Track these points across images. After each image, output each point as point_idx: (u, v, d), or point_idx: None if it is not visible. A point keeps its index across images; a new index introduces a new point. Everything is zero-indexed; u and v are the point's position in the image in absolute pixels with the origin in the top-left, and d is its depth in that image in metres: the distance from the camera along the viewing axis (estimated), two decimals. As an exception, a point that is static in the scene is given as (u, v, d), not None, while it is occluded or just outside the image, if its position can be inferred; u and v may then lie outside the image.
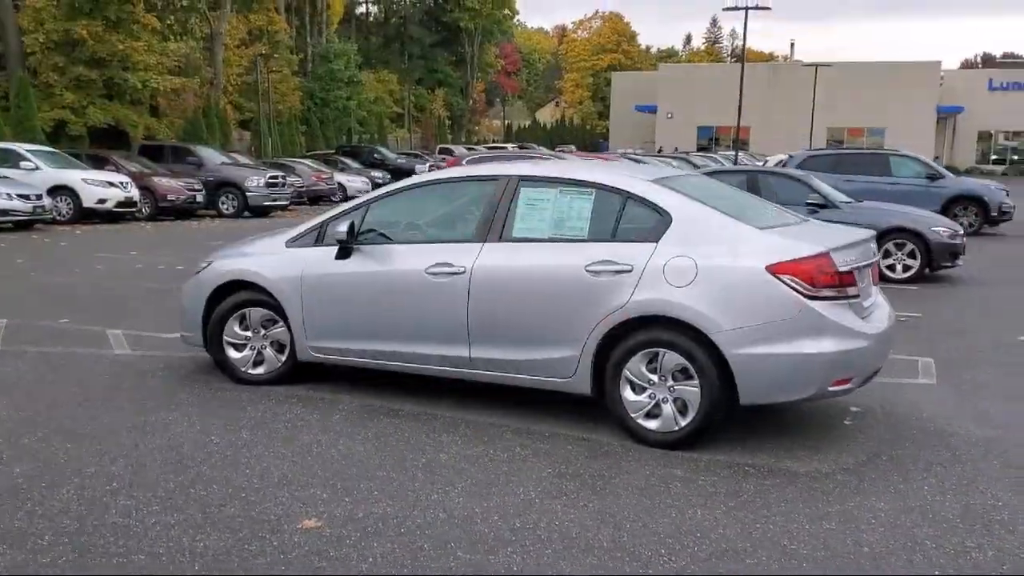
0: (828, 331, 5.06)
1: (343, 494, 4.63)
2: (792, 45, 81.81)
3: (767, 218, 5.79)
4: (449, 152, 50.27)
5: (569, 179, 5.84)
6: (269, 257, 6.58)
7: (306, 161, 32.76)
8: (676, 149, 48.42)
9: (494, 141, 69.33)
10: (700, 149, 55.52)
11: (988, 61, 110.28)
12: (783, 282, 5.06)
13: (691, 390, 5.23)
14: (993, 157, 57.58)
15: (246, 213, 24.47)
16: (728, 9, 34.83)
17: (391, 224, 6.34)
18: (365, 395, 6.39)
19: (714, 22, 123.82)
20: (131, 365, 7.29)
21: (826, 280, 5.09)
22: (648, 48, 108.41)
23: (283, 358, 6.60)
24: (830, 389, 5.17)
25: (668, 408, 5.31)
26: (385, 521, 4.30)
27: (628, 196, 5.61)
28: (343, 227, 6.08)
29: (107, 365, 7.28)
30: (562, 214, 5.71)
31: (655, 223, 5.46)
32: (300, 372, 6.63)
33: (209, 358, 7.01)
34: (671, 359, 5.26)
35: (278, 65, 42.01)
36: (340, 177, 32.46)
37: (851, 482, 4.88)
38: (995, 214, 20.70)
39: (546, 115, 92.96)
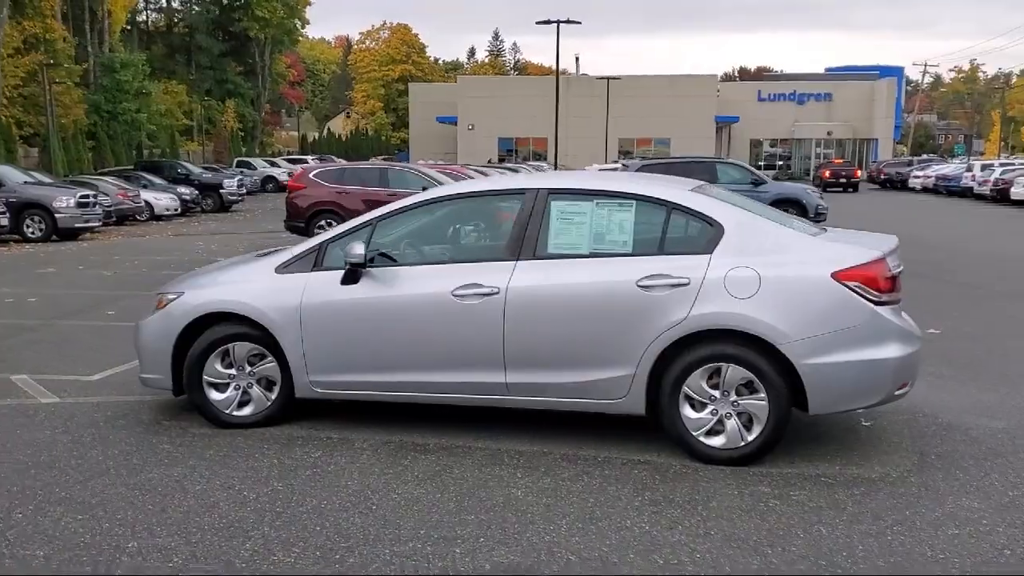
0: (893, 336, 5.12)
1: (447, 545, 4.21)
2: (577, 60, 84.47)
3: (799, 224, 5.80)
4: (247, 165, 48.36)
5: (606, 190, 5.61)
6: (255, 284, 5.92)
7: (107, 179, 30.36)
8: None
9: (289, 153, 67.34)
10: (500, 160, 56.32)
11: (744, 73, 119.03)
12: (850, 289, 5.07)
13: (758, 404, 5.14)
14: (762, 163, 61.94)
15: (54, 237, 22.32)
16: (541, 23, 35.53)
17: (402, 244, 5.88)
18: (372, 431, 5.88)
19: (496, 35, 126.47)
20: (74, 415, 6.35)
21: (886, 285, 5.15)
22: (437, 60, 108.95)
23: (272, 396, 5.96)
24: (896, 393, 5.24)
25: (732, 424, 5.20)
26: (518, 570, 3.92)
27: (673, 207, 5.45)
28: (359, 248, 5.55)
29: (46, 418, 6.31)
30: (602, 227, 5.48)
31: (706, 234, 5.34)
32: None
33: (165, 400, 6.31)
34: (735, 373, 5.15)
35: (60, 76, 38.72)
36: (146, 195, 30.32)
37: (929, 483, 4.96)
38: (812, 215, 22.20)
39: (337, 126, 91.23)
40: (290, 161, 53.43)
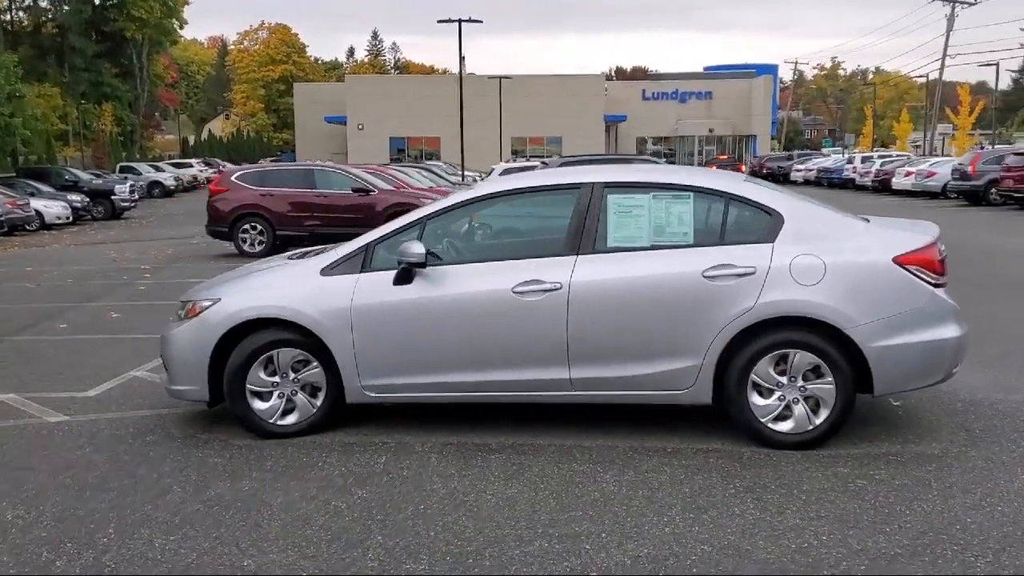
0: (950, 317, 5.33)
1: (573, 541, 4.17)
2: (463, 59, 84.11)
3: (846, 211, 5.95)
4: (131, 170, 46.47)
5: (663, 183, 5.65)
6: (300, 288, 5.71)
7: (-7, 186, 28.65)
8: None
9: (170, 157, 65.02)
10: (393, 160, 55.87)
11: (621, 73, 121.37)
12: (912, 273, 5.25)
13: (825, 387, 5.27)
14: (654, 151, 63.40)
15: (-55, 248, 20.96)
16: (442, 21, 35.38)
17: (453, 242, 5.77)
18: (424, 434, 5.77)
19: (375, 35, 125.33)
20: (95, 433, 6.00)
21: (941, 268, 5.36)
22: (317, 60, 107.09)
23: (318, 403, 5.77)
24: (952, 372, 5.45)
25: (800, 408, 5.32)
26: (663, 563, 3.92)
27: (731, 197, 5.54)
28: (418, 247, 5.42)
29: (67, 437, 5.94)
30: (661, 220, 5.52)
31: (766, 223, 5.44)
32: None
33: (185, 413, 6.15)
34: (803, 359, 5.27)
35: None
36: (35, 203, 28.75)
37: (992, 456, 5.18)
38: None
39: (216, 128, 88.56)
40: (175, 165, 51.68)
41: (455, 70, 72.67)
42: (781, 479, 4.88)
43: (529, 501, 4.66)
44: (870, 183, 38.37)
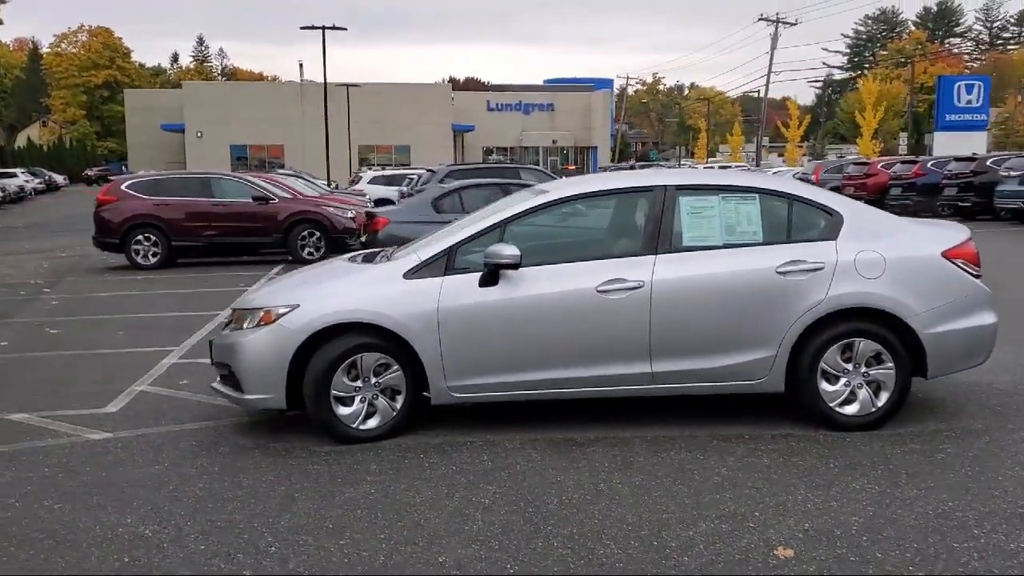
0: (989, 304, 5.95)
1: (734, 521, 4.43)
2: (301, 66, 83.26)
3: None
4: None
5: (729, 185, 6.01)
6: (385, 292, 5.72)
7: None
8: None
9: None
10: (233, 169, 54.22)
11: (454, 84, 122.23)
12: (958, 265, 5.83)
13: (886, 372, 5.76)
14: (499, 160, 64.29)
15: None
16: (305, 28, 34.73)
17: (535, 243, 5.91)
18: (503, 431, 5.89)
19: (201, 40, 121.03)
20: (159, 448, 5.79)
21: (977, 260, 5.97)
22: (142, 65, 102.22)
23: (398, 406, 5.78)
24: (992, 354, 6.07)
25: (864, 393, 5.79)
26: (834, 534, 4.25)
27: (794, 199, 5.96)
28: (511, 250, 5.55)
29: (130, 453, 5.71)
30: (731, 220, 5.87)
31: (827, 222, 5.89)
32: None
33: (237, 423, 6.07)
34: (867, 347, 5.74)
35: None
36: None
37: (1013, 434, 5.80)
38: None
39: (34, 135, 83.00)
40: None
41: (286, 77, 71.23)
42: (871, 457, 5.31)
43: (660, 488, 4.88)
44: (716, 191, 40.34)
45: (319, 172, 41.80)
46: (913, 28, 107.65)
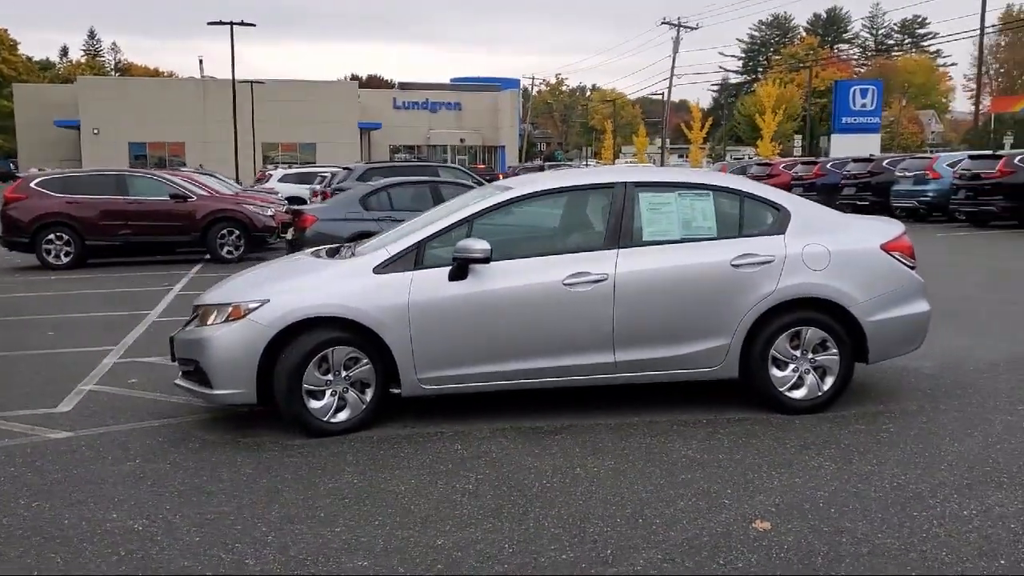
0: (923, 294, 6.38)
1: (711, 498, 4.68)
2: (201, 62, 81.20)
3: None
4: None
5: (684, 182, 6.29)
6: (355, 286, 5.80)
7: None
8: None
9: None
10: (132, 166, 52.72)
11: (355, 81, 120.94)
12: (895, 257, 6.24)
13: (831, 358, 6.13)
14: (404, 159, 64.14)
15: None
16: (213, 23, 33.98)
17: (502, 239, 6.06)
18: (471, 422, 6.03)
19: (92, 34, 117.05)
20: (123, 445, 5.75)
21: (912, 253, 6.40)
22: (29, 59, 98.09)
23: (367, 399, 5.88)
24: (923, 341, 6.50)
25: (811, 378, 6.14)
26: (806, 508, 4.54)
27: (744, 195, 6.28)
28: (482, 244, 5.70)
29: (97, 452, 5.66)
30: (687, 215, 6.15)
31: (775, 217, 6.22)
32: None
33: (200, 418, 6.07)
34: (814, 335, 6.10)
35: None
36: None
37: (964, 408, 6.22)
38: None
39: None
40: None
41: (182, 73, 69.53)
42: (822, 437, 5.65)
43: (633, 470, 5.11)
44: (625, 191, 41.15)
45: (221, 170, 40.95)
46: (804, 34, 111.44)
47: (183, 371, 6.09)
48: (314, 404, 5.74)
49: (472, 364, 5.86)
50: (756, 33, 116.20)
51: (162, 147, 58.51)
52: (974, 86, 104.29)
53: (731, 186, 6.34)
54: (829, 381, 6.15)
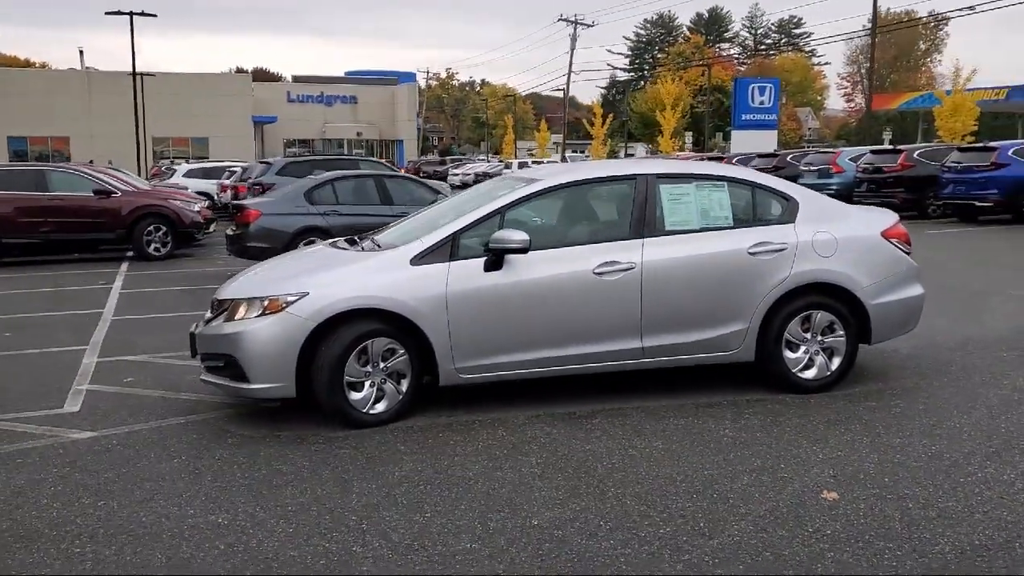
0: (918, 278, 6.80)
1: (769, 473, 4.93)
2: (81, 53, 77.70)
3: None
4: None
5: (700, 174, 6.53)
6: (394, 278, 5.83)
7: None
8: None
9: None
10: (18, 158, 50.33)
11: (240, 72, 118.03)
12: (893, 244, 6.64)
13: (838, 340, 6.48)
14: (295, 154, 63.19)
15: None
16: (111, 13, 32.64)
17: (531, 229, 6.16)
18: (506, 410, 6.14)
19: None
20: (158, 443, 5.65)
21: (908, 239, 6.81)
22: None
23: (403, 390, 5.93)
24: (918, 322, 6.92)
25: (820, 359, 6.48)
26: (860, 476, 4.84)
27: (756, 186, 6.57)
28: (520, 235, 5.80)
29: (129, 451, 5.54)
30: (705, 206, 6.40)
31: (785, 207, 6.54)
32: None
33: (223, 414, 6.13)
34: (823, 318, 6.44)
35: None
36: None
37: (958, 384, 6.65)
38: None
39: None
40: None
41: (56, 65, 66.60)
42: (841, 414, 5.98)
43: (684, 450, 5.32)
44: (530, 185, 41.61)
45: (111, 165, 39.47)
46: (688, 33, 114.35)
47: (209, 367, 6.00)
48: (354, 395, 5.75)
49: (507, 353, 5.97)
50: (642, 31, 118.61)
51: (44, 142, 55.95)
52: (847, 84, 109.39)
53: (744, 177, 6.63)
54: (836, 362, 6.49)
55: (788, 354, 6.41)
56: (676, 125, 53.39)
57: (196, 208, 17.78)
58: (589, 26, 59.67)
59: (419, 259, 5.88)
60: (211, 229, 18.67)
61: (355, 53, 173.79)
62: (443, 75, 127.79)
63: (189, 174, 30.93)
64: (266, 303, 5.73)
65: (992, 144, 21.67)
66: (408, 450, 5.39)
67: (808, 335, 6.43)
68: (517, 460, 5.19)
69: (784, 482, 4.78)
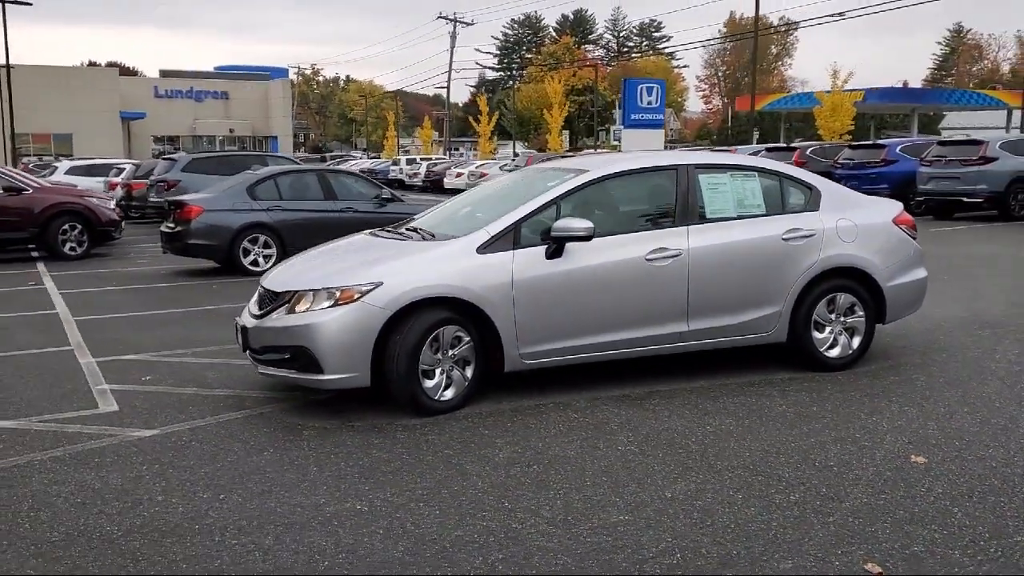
0: (923, 261, 7.32)
1: (840, 444, 5.27)
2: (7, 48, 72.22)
3: None
4: None
5: (734, 164, 6.86)
6: (462, 266, 5.90)
7: None
8: None
9: None
10: None
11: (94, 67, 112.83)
12: (903, 230, 7.14)
13: (859, 320, 6.92)
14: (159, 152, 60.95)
15: None
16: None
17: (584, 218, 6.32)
18: (566, 394, 6.30)
19: None
20: (236, 436, 5.55)
21: (914, 225, 7.33)
22: None
23: (468, 376, 6.02)
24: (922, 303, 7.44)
25: (843, 338, 6.91)
26: (931, 444, 5.24)
27: (783, 176, 6.95)
28: (584, 223, 5.96)
29: (206, 446, 5.43)
30: (740, 194, 6.73)
31: (809, 196, 6.93)
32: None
33: (284, 406, 6.13)
34: (846, 299, 6.87)
35: None
36: None
37: (966, 358, 7.22)
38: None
39: None
40: None
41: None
42: (875, 388, 6.40)
43: (754, 426, 5.59)
44: (421, 183, 41.59)
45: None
46: (554, 34, 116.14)
47: (270, 360, 5.92)
48: (427, 383, 5.80)
49: (566, 338, 6.13)
50: (510, 32, 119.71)
51: None
52: (706, 87, 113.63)
53: (772, 168, 7.00)
54: (856, 340, 6.93)
55: (816, 335, 6.80)
56: (546, 124, 54.27)
57: (111, 205, 17.09)
58: (469, 24, 59.88)
59: (485, 248, 5.96)
60: (123, 227, 17.95)
61: (216, 47, 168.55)
62: (308, 71, 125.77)
63: (72, 171, 29.49)
64: (337, 294, 5.69)
65: (881, 142, 23.10)
66: (494, 434, 5.47)
67: (833, 316, 6.84)
68: (608, 439, 5.35)
69: (868, 450, 5.12)
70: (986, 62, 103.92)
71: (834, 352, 6.88)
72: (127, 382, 6.93)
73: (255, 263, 13.55)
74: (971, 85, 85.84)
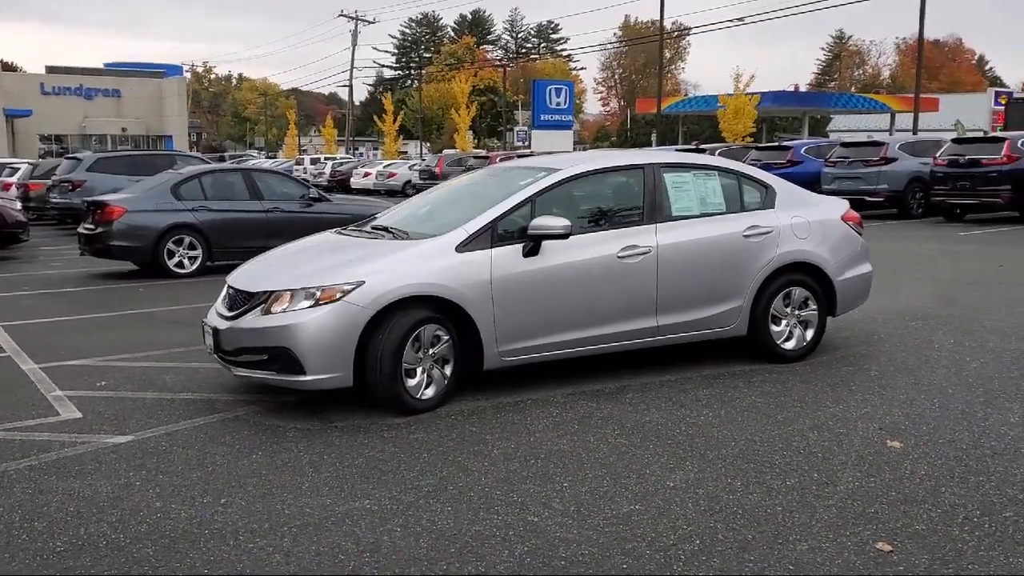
0: (868, 256, 7.66)
1: (829, 428, 5.51)
2: None
3: None
4: None
5: (695, 163, 7.04)
6: (442, 265, 5.90)
7: None
8: None
9: None
10: None
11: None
12: (850, 226, 7.46)
13: (812, 313, 7.20)
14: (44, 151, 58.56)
15: None
16: None
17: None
18: (536, 390, 6.36)
19: None
20: (216, 439, 5.43)
21: (860, 222, 7.66)
22: None
23: (448, 375, 6.03)
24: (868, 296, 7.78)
25: (798, 331, 7.18)
26: (902, 429, 5.51)
27: (740, 175, 7.17)
28: (563, 221, 6.04)
29: (192, 451, 5.30)
30: (702, 193, 6.92)
31: (765, 194, 7.18)
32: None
33: (256, 409, 6.05)
34: (800, 294, 7.14)
35: None
36: None
37: (907, 348, 7.61)
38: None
39: None
40: None
41: None
42: (832, 378, 6.66)
43: (729, 416, 5.77)
44: (327, 182, 41.02)
45: None
46: (453, 34, 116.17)
47: (247, 362, 5.82)
48: (410, 382, 5.78)
49: (543, 335, 6.20)
50: (408, 31, 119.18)
51: None
52: (603, 89, 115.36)
53: (729, 167, 7.21)
54: (810, 333, 7.21)
55: (773, 328, 7.05)
56: (449, 124, 54.27)
57: (19, 206, 16.37)
58: (371, 23, 59.29)
59: (464, 246, 5.98)
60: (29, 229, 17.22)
61: (105, 44, 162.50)
62: (201, 69, 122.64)
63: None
64: (317, 293, 5.63)
65: (787, 143, 23.90)
66: (482, 431, 5.50)
67: (788, 310, 7.10)
68: (596, 433, 5.44)
69: (845, 436, 5.34)
70: (867, 67, 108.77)
71: (789, 344, 7.13)
72: (82, 388, 6.69)
73: (180, 265, 13.22)
74: (853, 89, 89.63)
